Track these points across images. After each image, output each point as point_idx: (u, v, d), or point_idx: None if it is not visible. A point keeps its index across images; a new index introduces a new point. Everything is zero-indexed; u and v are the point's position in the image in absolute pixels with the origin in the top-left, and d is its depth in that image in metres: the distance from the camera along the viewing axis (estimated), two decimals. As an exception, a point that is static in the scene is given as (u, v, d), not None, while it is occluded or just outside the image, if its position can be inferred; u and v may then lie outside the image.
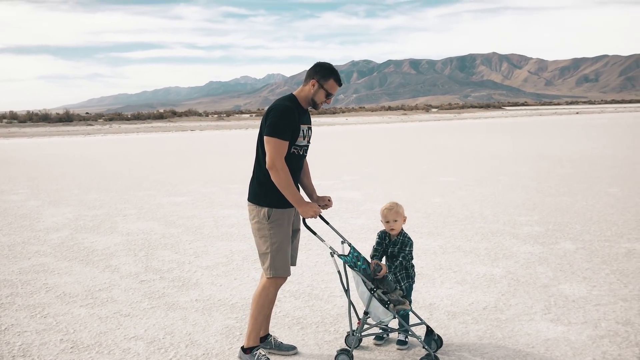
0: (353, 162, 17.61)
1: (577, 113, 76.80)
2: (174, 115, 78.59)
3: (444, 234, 7.53)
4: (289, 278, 5.69)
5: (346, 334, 4.23)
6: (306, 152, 3.95)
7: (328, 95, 3.85)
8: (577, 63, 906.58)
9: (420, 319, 4.05)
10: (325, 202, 4.10)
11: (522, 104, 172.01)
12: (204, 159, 19.90)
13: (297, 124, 3.75)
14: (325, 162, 17.97)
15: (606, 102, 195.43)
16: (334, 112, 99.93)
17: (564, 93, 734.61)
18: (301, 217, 3.99)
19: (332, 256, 3.88)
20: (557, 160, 16.59)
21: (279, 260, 3.83)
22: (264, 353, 3.91)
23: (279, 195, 3.77)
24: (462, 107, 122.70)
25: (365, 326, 3.99)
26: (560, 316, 4.57)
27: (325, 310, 4.85)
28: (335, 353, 3.89)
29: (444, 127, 42.84)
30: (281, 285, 3.94)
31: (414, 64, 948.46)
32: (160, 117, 74.76)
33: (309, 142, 3.92)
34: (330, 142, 28.75)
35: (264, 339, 4.11)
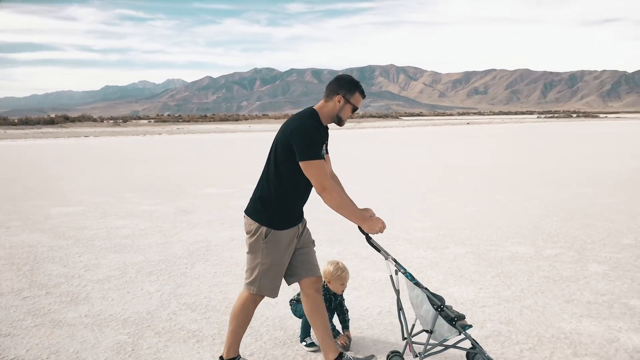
0: (255, 170, 17.52)
1: (468, 123, 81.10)
2: (66, 120, 74.57)
3: (343, 241, 7.66)
4: (188, 290, 5.58)
5: (389, 352, 3.94)
6: None
7: (355, 109, 3.74)
8: (468, 76, 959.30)
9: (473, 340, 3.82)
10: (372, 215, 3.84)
11: (418, 114, 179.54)
12: (98, 167, 19.03)
13: (322, 141, 3.63)
14: (226, 169, 17.76)
15: (494, 114, 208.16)
16: (236, 119, 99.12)
17: (456, 104, 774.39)
18: (364, 235, 3.87)
19: (397, 274, 3.77)
20: (449, 167, 17.43)
21: (266, 280, 3.71)
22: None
23: (281, 217, 3.67)
24: (362, 116, 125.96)
25: (422, 344, 3.82)
26: (449, 318, 4.78)
27: (222, 322, 4.77)
28: None
29: (345, 136, 43.71)
30: (259, 302, 3.83)
31: (316, 73, 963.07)
32: (51, 122, 70.69)
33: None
34: (231, 149, 28.47)
35: None
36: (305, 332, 4.32)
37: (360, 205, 4.01)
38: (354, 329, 4.57)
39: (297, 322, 4.70)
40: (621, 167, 17.31)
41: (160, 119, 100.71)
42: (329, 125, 3.83)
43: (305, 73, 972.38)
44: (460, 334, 3.65)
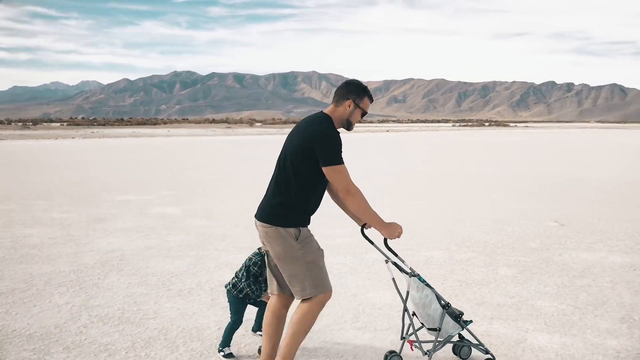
0: (173, 176, 17.12)
1: (388, 131, 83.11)
2: (-32, 122, 69.96)
3: (263, 248, 7.60)
4: (100, 301, 5.35)
5: (387, 352, 4.08)
6: None
7: (364, 113, 3.78)
8: (387, 85, 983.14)
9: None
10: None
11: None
12: (2, 172, 17.94)
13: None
14: (143, 175, 17.24)
15: (412, 121, 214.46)
16: (155, 123, 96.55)
17: (376, 112, 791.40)
18: (382, 238, 3.94)
19: (412, 276, 3.89)
20: (368, 174, 17.75)
21: (317, 277, 3.66)
22: None
23: (303, 216, 3.70)
24: (285, 122, 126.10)
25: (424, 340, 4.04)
26: (367, 324, 4.85)
27: (136, 334, 4.60)
28: None
29: (267, 142, 43.62)
30: (327, 301, 3.74)
31: (238, 78, 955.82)
32: (-49, 124, 66.10)
33: None
34: (149, 154, 27.70)
35: None
36: (225, 341, 4.24)
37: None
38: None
39: (216, 332, 4.62)
40: (529, 174, 18.25)
41: (73, 122, 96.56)
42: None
43: (227, 77, 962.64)
44: (463, 330, 3.89)
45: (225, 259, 7.00)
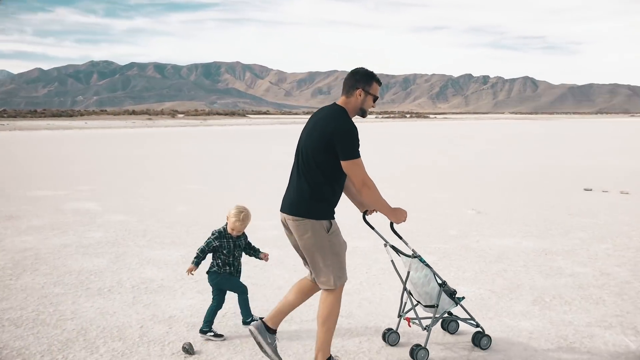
0: (90, 171, 16.46)
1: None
2: None
3: (187, 243, 7.47)
4: (12, 303, 5.08)
5: (385, 330, 4.39)
6: None
7: (376, 98, 3.85)
8: (312, 76, 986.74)
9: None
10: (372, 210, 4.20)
11: (265, 113, 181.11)
12: None
13: None
14: (59, 169, 16.47)
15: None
16: (71, 115, 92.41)
17: (302, 104, 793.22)
18: (389, 222, 4.17)
19: (414, 257, 4.14)
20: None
21: (340, 268, 3.84)
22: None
23: (332, 207, 3.84)
24: (208, 113, 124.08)
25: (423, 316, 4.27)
26: (293, 316, 4.82)
27: (52, 336, 4.40)
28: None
29: (190, 134, 42.76)
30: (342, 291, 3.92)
31: (159, 68, 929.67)
32: None
33: None
34: (65, 147, 26.49)
35: (273, 333, 4.01)
36: (208, 323, 4.42)
37: None
38: (197, 334, 4.46)
39: (138, 331, 4.50)
40: (446, 164, 18.89)
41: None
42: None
43: (147, 67, 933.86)
44: (456, 305, 4.20)
45: (147, 255, 6.82)
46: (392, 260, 4.30)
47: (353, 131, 3.71)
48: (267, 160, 19.69)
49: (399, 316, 4.35)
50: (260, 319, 4.12)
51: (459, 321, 4.48)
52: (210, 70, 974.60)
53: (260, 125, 65.25)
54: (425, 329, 4.15)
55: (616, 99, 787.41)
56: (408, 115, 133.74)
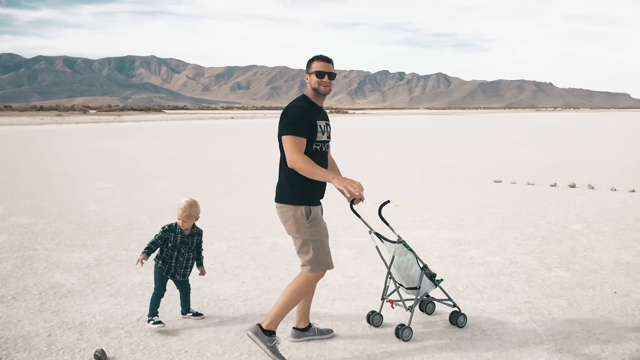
0: (-6, 170, 15.45)
1: (232, 118, 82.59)
2: None
3: (100, 245, 7.16)
4: None
5: (369, 312, 4.64)
6: (328, 148, 4.14)
7: (319, 74, 3.93)
8: (230, 71, 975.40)
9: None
10: (361, 197, 4.01)
11: (182, 108, 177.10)
12: None
13: (313, 120, 3.90)
14: (-43, 170, 15.34)
15: (257, 108, 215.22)
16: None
17: (220, 99, 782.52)
18: (349, 204, 4.29)
19: (399, 242, 4.38)
20: (213, 163, 17.50)
21: (322, 255, 3.97)
22: (278, 341, 3.98)
23: (312, 193, 3.95)
24: (123, 109, 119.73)
25: (406, 297, 4.56)
26: (211, 316, 4.77)
27: (-52, 350, 4.08)
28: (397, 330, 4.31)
29: (103, 130, 41.11)
30: (321, 278, 4.07)
31: (69, 62, 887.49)
32: None
33: (329, 137, 4.09)
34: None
35: (307, 329, 4.30)
36: (152, 311, 4.47)
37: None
38: (111, 339, 4.28)
39: (46, 340, 4.25)
40: (362, 160, 19.22)
41: None
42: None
43: (55, 61, 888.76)
44: (436, 287, 4.52)
45: (56, 259, 6.47)
46: (377, 247, 4.52)
47: (289, 110, 3.93)
48: (185, 156, 19.25)
49: (382, 299, 4.61)
50: (258, 325, 3.98)
51: (435, 302, 4.83)
52: (124, 65, 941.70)
53: (176, 122, 63.70)
54: (408, 309, 4.43)
55: (523, 94, 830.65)
56: (328, 111, 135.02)
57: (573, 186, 12.41)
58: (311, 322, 4.38)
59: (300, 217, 3.93)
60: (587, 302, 5.16)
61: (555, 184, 12.74)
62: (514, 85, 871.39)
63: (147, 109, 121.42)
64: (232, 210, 9.56)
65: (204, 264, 4.89)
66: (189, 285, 4.79)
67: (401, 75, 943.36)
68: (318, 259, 3.96)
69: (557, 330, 4.51)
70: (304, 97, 4.06)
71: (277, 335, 4.00)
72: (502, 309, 5.00)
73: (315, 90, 4.00)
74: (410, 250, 4.44)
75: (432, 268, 6.16)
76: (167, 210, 9.52)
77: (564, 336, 4.40)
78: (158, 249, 4.61)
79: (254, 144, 27.39)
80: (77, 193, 11.41)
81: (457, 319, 4.58)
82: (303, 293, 4.05)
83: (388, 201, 4.86)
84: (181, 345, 4.20)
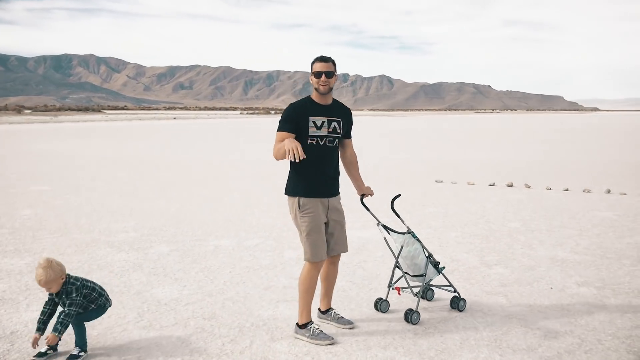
0: None
1: (175, 118, 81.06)
2: None
3: (33, 250, 6.85)
4: None
5: (376, 299, 4.97)
6: (330, 142, 4.33)
7: (316, 75, 4.23)
8: (172, 71, 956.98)
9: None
10: (370, 192, 4.83)
11: (123, 108, 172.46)
12: None
13: (304, 116, 4.21)
14: None
15: (200, 109, 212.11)
16: None
17: (162, 99, 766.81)
18: (359, 198, 4.90)
19: (408, 233, 4.72)
20: (154, 164, 17.10)
21: (311, 246, 4.26)
22: (317, 326, 4.32)
23: (306, 186, 4.27)
24: (60, 109, 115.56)
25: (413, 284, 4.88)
26: (152, 322, 4.64)
27: None
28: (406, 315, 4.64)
29: (39, 131, 39.54)
30: (318, 269, 4.32)
31: (2, 59, 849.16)
32: None
33: (329, 133, 4.29)
34: None
35: (326, 312, 4.64)
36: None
37: None
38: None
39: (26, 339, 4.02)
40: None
41: None
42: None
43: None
44: (439, 275, 4.85)
45: (-15, 266, 6.15)
46: (384, 238, 4.86)
47: (287, 109, 4.31)
48: (125, 157, 18.73)
49: (389, 286, 4.93)
50: (296, 324, 4.40)
51: (434, 289, 5.24)
52: (61, 63, 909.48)
53: (116, 122, 62.00)
54: (416, 295, 4.77)
55: (463, 96, 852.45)
56: (273, 112, 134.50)
57: (511, 185, 12.80)
58: (332, 308, 4.70)
59: (293, 206, 4.32)
60: (524, 298, 5.31)
61: (494, 183, 13.10)
62: (454, 88, 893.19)
63: (86, 109, 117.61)
64: (173, 212, 9.35)
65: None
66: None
67: (345, 76, 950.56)
68: (310, 249, 4.27)
69: (497, 326, 4.62)
70: (307, 97, 4.41)
71: (312, 323, 4.35)
72: (444, 306, 5.08)
73: (316, 89, 4.31)
74: (418, 240, 4.77)
75: (377, 268, 6.23)
76: (106, 214, 9.22)
77: (503, 332, 4.51)
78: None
79: (201, 145, 26.97)
80: (10, 196, 10.91)
81: (458, 303, 4.95)
82: (308, 282, 4.32)
83: (399, 195, 5.28)
84: (120, 353, 4.05)
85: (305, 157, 3.96)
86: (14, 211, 9.35)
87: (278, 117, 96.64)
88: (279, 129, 4.23)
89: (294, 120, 4.22)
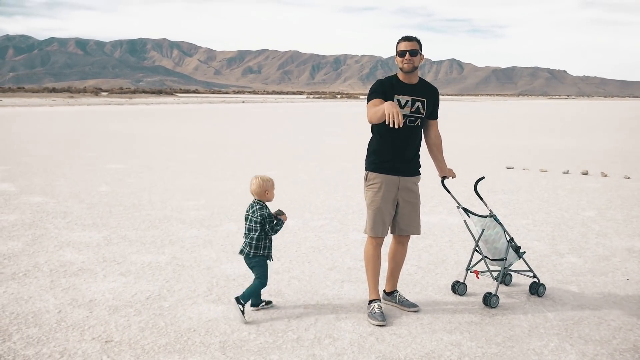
0: (5, 150, 15.55)
1: (244, 102, 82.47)
2: None
3: (110, 224, 7.18)
4: None
5: (453, 282, 4.96)
6: (412, 122, 4.32)
7: (400, 54, 4.29)
8: (242, 55, 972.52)
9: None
10: (452, 174, 4.76)
11: (194, 92, 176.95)
12: None
13: (388, 92, 4.26)
14: (-30, 149, 15.45)
15: (268, 93, 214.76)
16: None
17: (232, 83, 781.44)
18: (440, 180, 4.86)
19: (490, 216, 4.71)
20: (224, 146, 17.48)
21: (370, 220, 4.38)
22: (377, 307, 4.31)
23: (376, 160, 4.36)
24: (134, 92, 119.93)
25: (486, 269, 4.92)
26: (220, 296, 4.77)
27: (-40, 324, 4.11)
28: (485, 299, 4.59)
29: (115, 112, 41.22)
30: (377, 244, 4.42)
31: (81, 44, 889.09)
32: None
33: (412, 112, 4.31)
34: (-22, 126, 24.89)
35: (391, 294, 4.64)
36: (251, 297, 4.37)
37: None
38: (120, 317, 4.29)
39: (55, 316, 4.27)
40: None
41: None
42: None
43: (68, 43, 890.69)
44: (519, 259, 4.84)
45: (66, 238, 6.50)
46: (465, 221, 4.85)
47: (374, 83, 4.36)
48: (194, 139, 19.26)
49: (467, 269, 4.88)
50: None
51: (512, 274, 5.19)
52: (136, 47, 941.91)
53: (187, 105, 63.70)
54: (495, 279, 4.78)
55: (537, 81, 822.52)
56: (339, 96, 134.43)
57: (586, 173, 12.29)
58: (397, 290, 4.68)
59: (365, 181, 4.45)
60: (598, 289, 5.11)
61: (568, 171, 12.61)
62: (527, 72, 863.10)
63: (159, 92, 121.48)
64: (241, 192, 9.55)
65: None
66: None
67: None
68: (368, 223, 4.39)
69: (568, 316, 4.47)
70: (394, 75, 4.44)
71: (376, 301, 4.36)
72: (513, 293, 4.96)
73: (400, 69, 4.35)
74: (500, 223, 4.73)
75: (444, 253, 6.15)
76: (177, 192, 9.53)
77: (574, 322, 4.36)
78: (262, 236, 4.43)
79: (267, 127, 27.33)
80: (88, 173, 11.45)
81: (537, 289, 4.87)
82: (369, 256, 4.45)
83: (483, 177, 5.19)
84: (190, 324, 4.20)
85: (401, 125, 3.79)
86: (91, 187, 9.81)
87: (343, 102, 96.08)
88: (370, 98, 4.26)
89: (383, 92, 4.26)
